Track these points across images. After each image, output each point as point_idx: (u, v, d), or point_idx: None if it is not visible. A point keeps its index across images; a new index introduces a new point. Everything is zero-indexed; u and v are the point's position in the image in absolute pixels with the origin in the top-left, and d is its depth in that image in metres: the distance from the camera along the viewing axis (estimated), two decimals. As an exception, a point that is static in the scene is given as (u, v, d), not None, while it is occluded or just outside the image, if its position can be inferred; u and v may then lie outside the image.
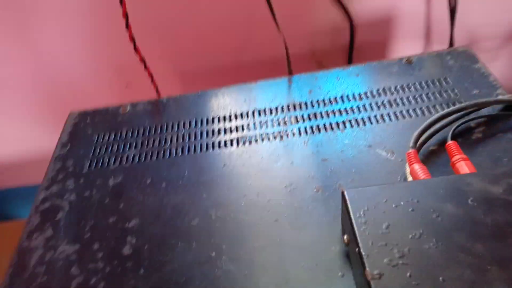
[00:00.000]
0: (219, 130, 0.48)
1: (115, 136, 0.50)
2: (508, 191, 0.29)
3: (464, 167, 0.33)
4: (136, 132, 0.50)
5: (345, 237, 0.33)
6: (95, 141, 0.50)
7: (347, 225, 0.31)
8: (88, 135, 0.51)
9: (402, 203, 0.30)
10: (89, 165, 0.47)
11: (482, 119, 0.41)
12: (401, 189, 0.31)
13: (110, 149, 0.48)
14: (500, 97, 0.42)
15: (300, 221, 0.37)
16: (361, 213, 0.30)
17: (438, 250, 0.26)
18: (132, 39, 0.44)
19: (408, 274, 0.26)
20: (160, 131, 0.49)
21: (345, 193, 0.31)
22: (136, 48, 0.45)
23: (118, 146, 0.49)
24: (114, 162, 0.47)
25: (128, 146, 0.48)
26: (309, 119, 0.47)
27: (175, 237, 0.37)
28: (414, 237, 0.27)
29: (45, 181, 0.46)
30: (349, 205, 0.30)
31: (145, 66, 0.48)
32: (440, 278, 0.25)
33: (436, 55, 0.51)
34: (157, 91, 0.54)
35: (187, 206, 0.40)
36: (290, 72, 0.53)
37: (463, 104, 0.40)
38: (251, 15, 0.67)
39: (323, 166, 0.41)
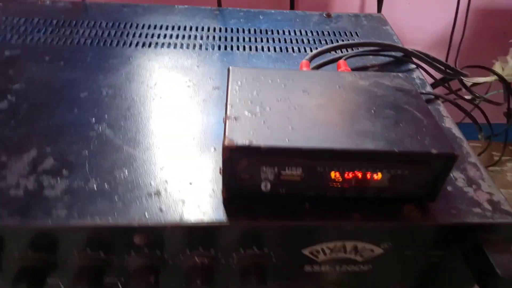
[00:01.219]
0: (134, 34, 0.48)
1: (25, 20, 0.48)
2: (373, 85, 0.32)
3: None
4: (49, 22, 0.48)
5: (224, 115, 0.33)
6: (2, 20, 0.48)
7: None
8: (-3, 15, 0.49)
9: (278, 80, 0.31)
10: (-12, 38, 0.44)
11: (379, 61, 0.45)
12: (281, 72, 0.32)
13: (16, 29, 0.46)
14: (397, 44, 0.46)
15: (189, 108, 0.37)
16: (238, 82, 0.31)
17: (295, 112, 0.28)
18: None
19: (262, 121, 0.27)
20: (75, 25, 0.48)
21: (230, 68, 0.32)
22: None
23: (26, 28, 0.47)
24: (17, 39, 0.45)
25: (36, 30, 0.46)
26: (226, 39, 0.48)
27: (57, 103, 0.36)
28: (279, 101, 0.29)
29: None
30: (230, 75, 0.31)
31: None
32: (290, 127, 0.26)
33: (353, 15, 0.55)
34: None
35: (80, 82, 0.39)
36: (220, 4, 0.55)
37: (363, 41, 0.43)
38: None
39: (225, 73, 0.42)
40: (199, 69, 0.42)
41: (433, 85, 0.55)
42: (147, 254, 0.28)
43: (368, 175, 0.26)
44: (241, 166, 0.26)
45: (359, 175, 0.26)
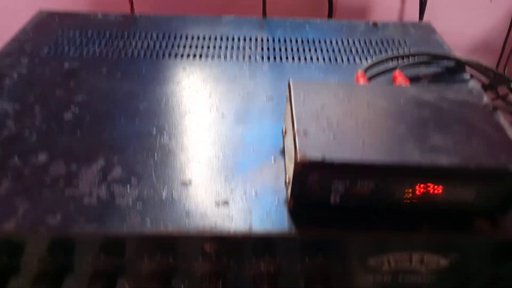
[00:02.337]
0: (184, 45, 0.49)
1: (80, 33, 0.50)
2: (438, 98, 0.31)
3: (404, 84, 0.36)
4: (103, 34, 0.50)
5: (284, 127, 0.34)
6: (59, 33, 0.50)
7: (288, 112, 0.32)
8: (54, 28, 0.51)
9: (341, 95, 0.31)
10: (48, 51, 0.46)
11: (431, 70, 0.44)
12: (343, 86, 0.33)
13: (73, 42, 0.48)
14: (450, 53, 0.45)
15: (245, 118, 0.38)
16: (301, 96, 0.31)
17: (363, 127, 0.28)
18: None
19: (331, 136, 0.27)
20: (127, 37, 0.50)
21: (291, 82, 0.33)
22: None
23: (81, 41, 0.48)
24: (74, 52, 0.46)
25: (91, 43, 0.48)
26: (274, 50, 0.48)
27: (119, 114, 0.37)
28: (345, 115, 0.29)
29: (-2, 55, 0.45)
30: (291, 89, 0.32)
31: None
32: (361, 141, 0.27)
33: (400, 24, 0.54)
34: (132, 6, 0.54)
35: (138, 93, 0.40)
36: (265, 14, 0.55)
37: (416, 51, 0.43)
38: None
39: (279, 83, 0.42)
40: (251, 81, 0.43)
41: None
42: (215, 260, 0.29)
43: (441, 190, 0.26)
44: (312, 180, 0.26)
45: (432, 190, 0.26)
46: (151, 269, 0.29)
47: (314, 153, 0.25)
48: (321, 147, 0.26)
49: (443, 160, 0.25)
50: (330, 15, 0.69)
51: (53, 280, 0.29)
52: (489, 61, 0.81)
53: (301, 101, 0.31)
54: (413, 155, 0.25)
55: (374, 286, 0.32)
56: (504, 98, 0.55)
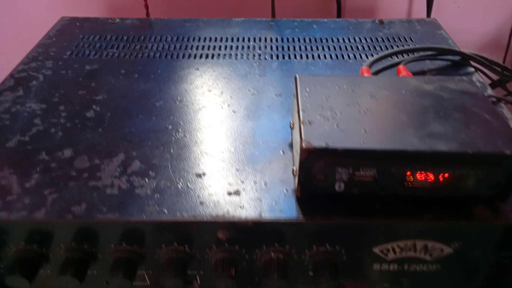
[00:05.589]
0: (197, 46, 0.51)
1: (100, 37, 0.53)
2: (439, 88, 0.33)
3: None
4: (121, 38, 0.53)
5: (291, 121, 0.36)
6: (80, 38, 0.53)
7: (294, 105, 0.34)
8: (75, 33, 0.54)
9: (345, 86, 0.33)
10: (70, 54, 0.49)
11: (436, 65, 0.45)
12: (346, 78, 0.34)
13: (93, 45, 0.51)
14: (454, 47, 0.46)
15: (255, 114, 0.39)
16: (307, 89, 0.33)
17: (366, 116, 0.30)
18: None
19: (335, 125, 0.29)
20: (143, 40, 0.52)
21: (297, 76, 0.34)
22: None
23: (101, 44, 0.51)
24: (94, 55, 0.49)
25: (110, 46, 0.51)
26: (283, 49, 0.50)
27: (137, 111, 0.40)
28: (349, 105, 0.31)
29: (25, 59, 0.48)
30: (298, 82, 0.33)
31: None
32: (363, 129, 0.28)
33: (406, 20, 0.55)
34: (147, 10, 0.57)
35: (155, 92, 0.43)
36: (273, 15, 0.57)
37: (420, 46, 0.44)
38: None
39: (287, 80, 0.44)
40: (261, 78, 0.45)
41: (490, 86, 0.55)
42: (228, 248, 0.30)
43: (441, 176, 0.27)
44: (317, 167, 0.28)
45: (432, 176, 0.27)
46: (169, 257, 0.31)
47: (318, 141, 0.27)
48: (325, 135, 0.27)
49: (442, 146, 0.26)
50: (338, 15, 0.71)
51: (79, 267, 0.31)
52: (497, 59, 0.81)
53: (306, 93, 0.32)
54: (412, 142, 0.27)
55: (381, 275, 0.33)
56: None
